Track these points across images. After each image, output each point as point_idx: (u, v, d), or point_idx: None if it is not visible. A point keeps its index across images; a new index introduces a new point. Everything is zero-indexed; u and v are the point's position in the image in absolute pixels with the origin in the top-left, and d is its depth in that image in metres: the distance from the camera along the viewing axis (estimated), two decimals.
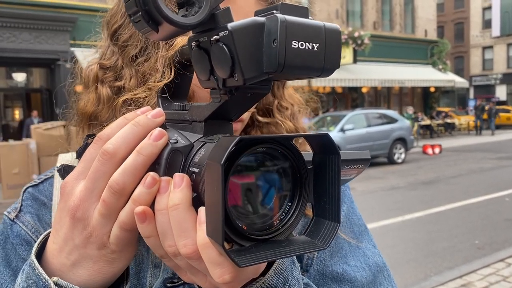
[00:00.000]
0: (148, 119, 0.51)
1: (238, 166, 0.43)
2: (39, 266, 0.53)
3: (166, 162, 0.49)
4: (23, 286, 0.54)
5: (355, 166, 0.60)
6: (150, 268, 0.72)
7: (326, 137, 0.45)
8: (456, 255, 6.11)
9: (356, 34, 20.70)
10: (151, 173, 0.48)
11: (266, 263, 0.49)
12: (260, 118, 0.83)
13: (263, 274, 0.51)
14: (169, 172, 0.48)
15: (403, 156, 15.59)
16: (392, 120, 15.58)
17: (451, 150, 18.96)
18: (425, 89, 27.31)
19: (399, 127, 15.48)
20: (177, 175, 0.47)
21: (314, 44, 0.41)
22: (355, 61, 21.08)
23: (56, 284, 0.52)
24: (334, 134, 13.69)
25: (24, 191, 0.81)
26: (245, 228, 0.43)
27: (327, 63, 0.43)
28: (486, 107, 27.94)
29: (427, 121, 25.16)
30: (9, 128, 16.99)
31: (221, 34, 0.42)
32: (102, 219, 0.50)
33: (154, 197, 0.48)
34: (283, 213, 0.46)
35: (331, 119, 15.13)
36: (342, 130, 14.15)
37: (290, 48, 0.40)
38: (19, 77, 16.70)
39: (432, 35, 27.53)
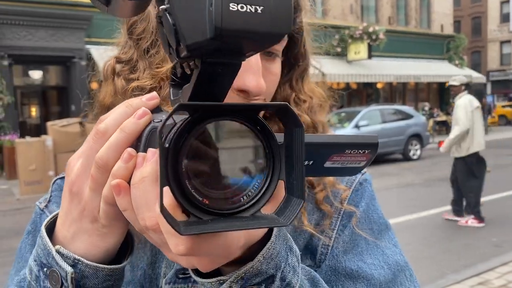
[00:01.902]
0: (141, 102, 0.53)
1: (200, 141, 0.43)
2: (46, 236, 0.57)
3: (146, 139, 0.50)
4: (34, 255, 0.59)
5: (360, 151, 0.56)
6: (165, 259, 0.75)
7: (286, 107, 0.44)
8: (473, 252, 6.03)
9: (370, 29, 20.52)
10: (128, 149, 0.49)
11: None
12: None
13: (252, 259, 0.52)
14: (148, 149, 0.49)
15: (418, 152, 15.44)
16: (408, 116, 15.42)
17: None
18: (441, 85, 26.96)
19: (415, 123, 15.33)
20: (150, 150, 0.47)
21: (257, 7, 0.39)
22: (369, 56, 20.90)
23: (57, 251, 0.56)
24: (349, 130, 13.61)
25: (53, 183, 0.86)
26: (207, 202, 0.42)
27: (274, 27, 0.40)
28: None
29: (443, 117, 24.87)
30: (26, 125, 17.24)
31: (166, 3, 0.42)
32: (92, 194, 0.53)
33: (132, 172, 0.49)
34: (252, 190, 0.45)
35: (345, 115, 15.04)
36: (357, 126, 14.06)
37: (228, 11, 0.38)
38: (36, 74, 16.94)
39: (449, 30, 27.15)
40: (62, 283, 0.55)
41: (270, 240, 0.52)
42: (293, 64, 0.85)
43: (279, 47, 0.75)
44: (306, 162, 0.54)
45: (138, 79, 0.74)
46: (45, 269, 0.57)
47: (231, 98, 0.67)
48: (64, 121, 11.31)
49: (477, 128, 6.95)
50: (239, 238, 0.47)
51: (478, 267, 5.51)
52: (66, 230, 0.57)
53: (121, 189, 0.48)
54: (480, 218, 7.13)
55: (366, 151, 0.57)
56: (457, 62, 26.21)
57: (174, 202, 0.42)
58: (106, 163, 0.50)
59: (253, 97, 0.69)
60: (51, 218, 0.61)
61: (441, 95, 27.52)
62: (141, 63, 0.75)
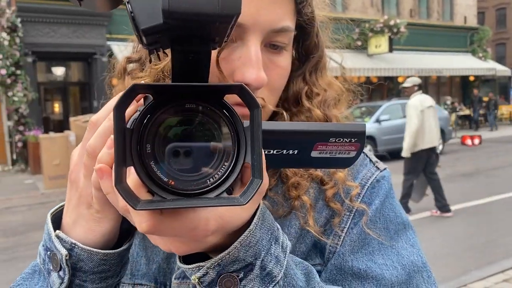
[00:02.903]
0: None
1: (165, 123, 0.43)
2: (49, 222, 0.62)
3: None
4: (42, 240, 0.63)
5: (346, 140, 0.55)
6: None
7: (241, 87, 0.43)
8: (497, 249, 5.92)
9: (391, 23, 20.23)
10: (112, 135, 0.50)
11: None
12: (288, 106, 0.80)
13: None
14: None
15: (440, 147, 15.18)
16: None
17: (491, 141, 18.35)
18: (464, 78, 26.45)
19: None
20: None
21: None
22: (390, 50, 20.61)
23: (57, 236, 0.59)
24: (370, 125, 13.48)
25: None
26: (172, 183, 0.43)
27: (223, 7, 0.40)
28: (485, 98, 25.60)
29: (466, 111, 24.40)
30: (49, 121, 17.57)
31: None
32: (85, 181, 0.56)
33: None
34: (218, 173, 0.45)
35: (366, 110, 14.88)
36: (378, 121, 13.90)
37: None
38: (58, 71, 17.23)
39: (472, 22, 26.56)
40: (61, 266, 0.59)
41: (249, 228, 0.52)
42: (306, 56, 0.83)
43: (284, 39, 0.72)
44: (291, 151, 0.55)
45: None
46: (48, 252, 0.61)
47: None
48: (87, 117, 11.48)
49: (428, 127, 7.26)
50: (206, 221, 0.47)
51: (502, 263, 5.41)
52: (68, 216, 0.60)
53: (103, 173, 0.50)
54: (406, 210, 7.31)
55: (353, 139, 0.55)
56: (481, 54, 25.66)
57: (138, 182, 0.43)
58: (94, 150, 0.53)
59: (254, 90, 0.68)
60: (59, 207, 0.65)
61: (464, 89, 27.01)
62: (147, 61, 0.76)
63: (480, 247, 6.04)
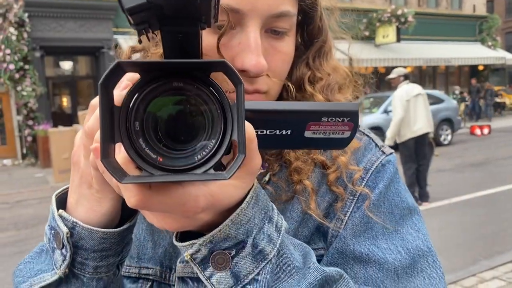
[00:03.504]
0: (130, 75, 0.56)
1: (154, 101, 0.44)
2: (54, 202, 0.64)
3: None
4: (48, 219, 0.65)
5: (339, 119, 0.55)
6: None
7: (224, 63, 0.44)
8: (507, 239, 5.90)
9: (399, 12, 20.02)
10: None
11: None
12: (292, 92, 0.80)
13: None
14: None
15: (449, 137, 15.09)
16: (438, 101, 15.04)
17: (501, 130, 18.18)
18: (473, 68, 26.17)
19: (445, 108, 14.95)
20: None
21: None
22: (398, 40, 20.42)
23: (59, 215, 0.62)
24: (377, 115, 13.41)
25: None
26: (161, 160, 0.44)
27: None
28: (497, 88, 24.85)
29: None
30: (58, 115, 17.67)
31: None
32: (85, 161, 0.58)
33: None
34: (206, 149, 0.45)
35: (374, 101, 14.80)
36: (386, 111, 13.83)
37: None
38: (66, 65, 17.30)
39: (481, 10, 26.22)
40: (63, 244, 0.61)
41: (240, 207, 0.53)
42: (310, 41, 0.82)
43: (285, 24, 0.71)
44: (284, 132, 0.55)
45: None
46: (52, 231, 0.63)
47: None
48: None
49: (414, 116, 7.30)
50: (196, 197, 0.48)
51: None
52: (72, 197, 0.63)
53: (99, 152, 0.51)
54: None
55: (346, 119, 0.55)
56: (490, 43, 25.34)
57: (127, 158, 0.44)
58: (92, 131, 0.54)
59: (254, 76, 0.68)
60: (64, 189, 0.67)
61: (473, 78, 26.75)
62: (151, 51, 0.77)
63: (490, 237, 6.02)
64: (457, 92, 22.03)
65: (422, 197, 7.57)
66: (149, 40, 0.50)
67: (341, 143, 0.58)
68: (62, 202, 0.65)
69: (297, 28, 0.78)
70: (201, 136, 0.46)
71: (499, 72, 29.37)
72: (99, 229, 0.60)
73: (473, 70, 26.43)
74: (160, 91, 0.45)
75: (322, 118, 0.54)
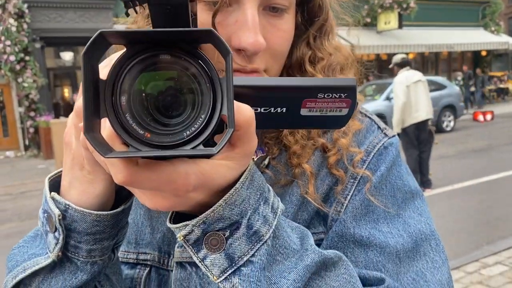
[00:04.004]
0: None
1: (140, 76, 0.43)
2: (46, 185, 0.63)
3: None
4: (42, 203, 0.64)
5: (335, 95, 0.52)
6: None
7: (210, 33, 0.42)
8: (510, 224, 5.90)
9: None
10: None
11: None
12: (292, 73, 0.78)
13: None
14: None
15: (452, 124, 15.04)
16: (441, 87, 14.97)
17: (504, 116, 18.10)
18: (476, 53, 25.99)
19: (448, 94, 14.88)
20: None
21: None
22: (400, 26, 20.27)
23: (52, 198, 0.61)
24: (380, 102, 13.36)
25: None
26: (148, 136, 0.43)
27: None
28: (500, 74, 24.25)
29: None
30: (59, 106, 17.66)
31: None
32: (76, 142, 0.57)
33: None
34: (195, 125, 0.44)
35: (376, 87, 14.73)
36: (388, 98, 13.77)
37: None
38: (67, 56, 17.25)
39: None
40: (56, 227, 0.60)
41: (234, 187, 0.52)
42: (310, 20, 0.79)
43: (283, 1, 0.69)
44: (279, 109, 0.53)
45: None
46: (45, 214, 0.62)
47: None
48: None
49: (414, 102, 7.29)
50: (186, 175, 0.46)
51: None
52: (64, 179, 0.61)
53: None
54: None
55: (343, 95, 0.52)
56: (493, 28, 25.13)
57: (112, 133, 0.43)
58: (81, 109, 0.52)
59: (251, 55, 0.66)
60: (57, 172, 0.66)
61: (476, 64, 26.56)
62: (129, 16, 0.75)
63: (493, 222, 6.02)
64: (459, 78, 21.91)
65: (425, 183, 7.58)
66: (136, 13, 0.48)
67: (339, 122, 0.56)
68: (56, 186, 0.64)
69: (297, 6, 0.76)
70: (190, 112, 0.44)
71: (502, 57, 29.16)
72: (92, 211, 0.59)
73: (476, 56, 26.26)
74: (147, 64, 0.43)
75: (318, 94, 0.52)
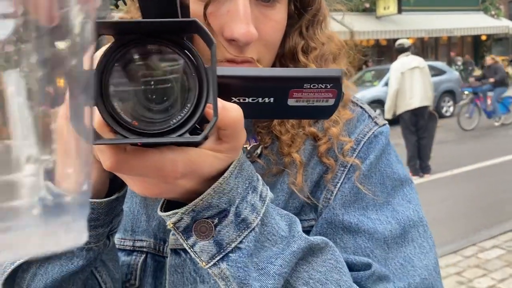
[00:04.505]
0: None
1: (128, 64, 0.44)
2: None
3: None
4: None
5: (321, 85, 0.53)
6: None
7: (195, 23, 0.43)
8: (508, 208, 5.93)
9: None
10: None
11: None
12: (285, 63, 0.79)
13: None
14: None
15: (451, 109, 15.01)
16: (440, 72, 14.89)
17: None
18: (476, 38, 25.79)
19: (447, 79, 14.81)
20: None
21: None
22: (399, 11, 20.10)
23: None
24: (379, 89, 13.30)
25: None
26: (136, 123, 0.44)
27: None
28: (501, 58, 24.09)
29: (477, 72, 23.90)
30: None
31: None
32: (67, 130, 0.58)
33: None
34: (182, 114, 0.45)
35: (375, 73, 14.67)
36: (387, 84, 13.71)
37: None
38: (61, 45, 17.13)
39: None
40: None
41: (223, 176, 0.53)
42: (303, 9, 0.79)
43: None
44: (266, 99, 0.54)
45: None
46: None
47: (221, 47, 0.66)
48: None
49: (409, 89, 7.26)
50: (174, 162, 0.48)
51: None
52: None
53: None
54: (413, 172, 7.42)
55: (328, 85, 0.53)
56: (493, 12, 24.90)
57: (101, 121, 0.44)
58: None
59: (244, 45, 0.66)
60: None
61: (476, 49, 26.41)
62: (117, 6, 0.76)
63: (491, 207, 6.06)
64: (459, 63, 21.79)
65: (424, 169, 7.60)
66: (125, 4, 0.49)
67: (326, 112, 0.57)
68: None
69: None
70: (177, 101, 0.45)
71: (502, 41, 28.97)
72: None
73: (476, 41, 26.08)
74: (134, 54, 0.44)
75: (304, 85, 0.53)
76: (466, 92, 13.37)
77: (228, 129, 0.49)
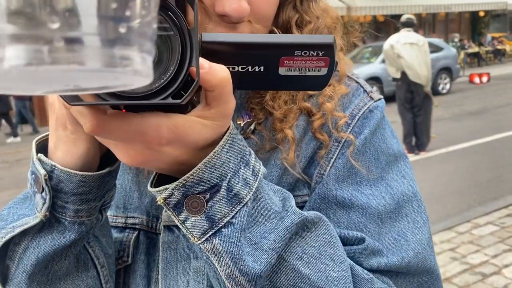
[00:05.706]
0: None
1: None
2: (33, 147, 0.64)
3: None
4: (30, 165, 0.65)
5: (313, 53, 0.51)
6: None
7: None
8: (502, 185, 5.99)
9: None
10: None
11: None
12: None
13: None
14: None
15: (448, 86, 14.99)
16: (437, 49, 14.82)
17: (500, 78, 18.03)
18: (474, 14, 25.62)
19: (444, 56, 14.76)
20: None
21: None
22: None
23: (38, 159, 0.62)
24: (376, 65, 13.26)
25: None
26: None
27: None
28: (497, 35, 24.14)
29: (475, 49, 23.82)
30: None
31: None
32: (59, 102, 0.57)
33: None
34: (164, 77, 0.44)
35: (372, 50, 14.58)
36: (384, 61, 13.67)
37: None
38: None
39: None
40: (43, 187, 0.61)
41: (214, 150, 0.52)
42: None
43: None
44: (256, 68, 0.52)
45: None
46: (33, 175, 0.63)
47: (214, 24, 0.64)
48: None
49: (405, 64, 7.24)
50: (157, 127, 0.46)
51: (507, 199, 5.49)
52: (51, 141, 0.62)
53: None
54: (409, 149, 7.50)
55: (320, 53, 0.51)
56: None
57: None
58: None
59: (236, 21, 0.64)
60: (45, 135, 0.66)
61: (474, 25, 26.25)
62: None
63: (486, 184, 6.11)
64: (456, 40, 21.68)
65: (419, 146, 7.63)
66: None
67: (319, 82, 0.55)
68: (43, 148, 0.64)
69: None
70: (159, 64, 0.44)
71: (500, 18, 28.79)
72: (77, 172, 0.60)
73: (474, 17, 25.91)
74: None
75: (296, 52, 0.51)
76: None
77: (216, 90, 0.48)
